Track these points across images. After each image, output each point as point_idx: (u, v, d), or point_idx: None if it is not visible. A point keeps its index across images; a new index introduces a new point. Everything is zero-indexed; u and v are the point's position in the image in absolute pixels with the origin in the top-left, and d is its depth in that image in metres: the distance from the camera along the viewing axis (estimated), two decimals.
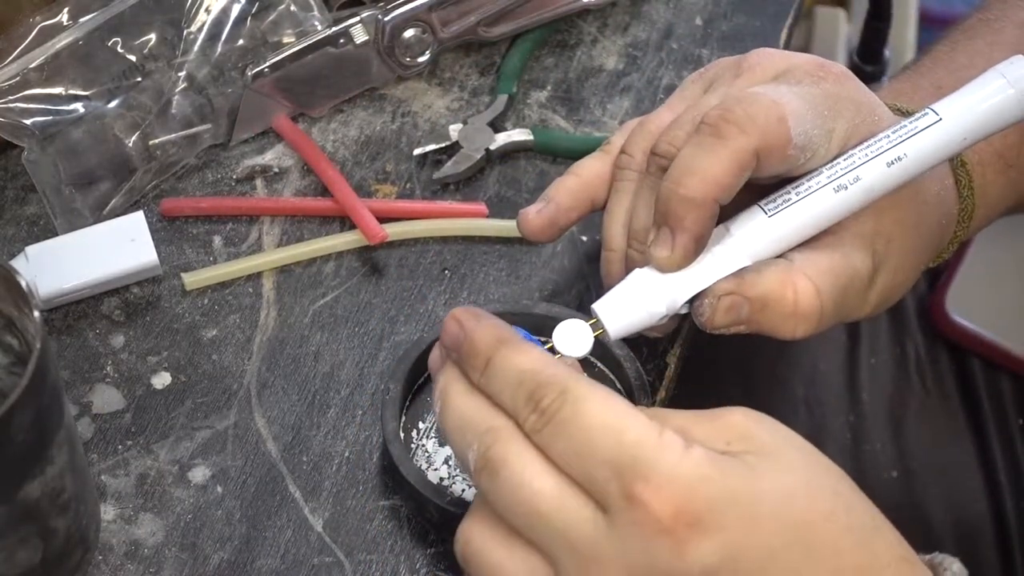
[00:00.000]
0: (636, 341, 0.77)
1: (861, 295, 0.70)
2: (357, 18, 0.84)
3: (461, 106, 0.86)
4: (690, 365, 0.80)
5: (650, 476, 0.57)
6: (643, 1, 0.90)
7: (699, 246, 0.67)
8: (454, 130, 0.83)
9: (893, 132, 0.68)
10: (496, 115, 0.84)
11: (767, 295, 0.68)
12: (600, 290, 0.78)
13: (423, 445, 0.72)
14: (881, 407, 1.00)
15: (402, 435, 0.72)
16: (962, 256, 1.01)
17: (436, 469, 0.72)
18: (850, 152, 0.68)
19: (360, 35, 0.84)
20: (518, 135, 0.83)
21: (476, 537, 0.60)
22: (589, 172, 0.74)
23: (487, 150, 0.83)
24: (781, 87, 0.69)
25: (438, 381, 0.63)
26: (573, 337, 0.67)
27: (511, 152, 0.83)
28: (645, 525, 0.57)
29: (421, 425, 0.73)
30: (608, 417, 0.58)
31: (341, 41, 0.84)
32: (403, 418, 0.73)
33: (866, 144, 0.68)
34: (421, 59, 0.85)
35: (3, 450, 0.61)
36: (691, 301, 0.68)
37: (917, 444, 0.98)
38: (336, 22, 0.84)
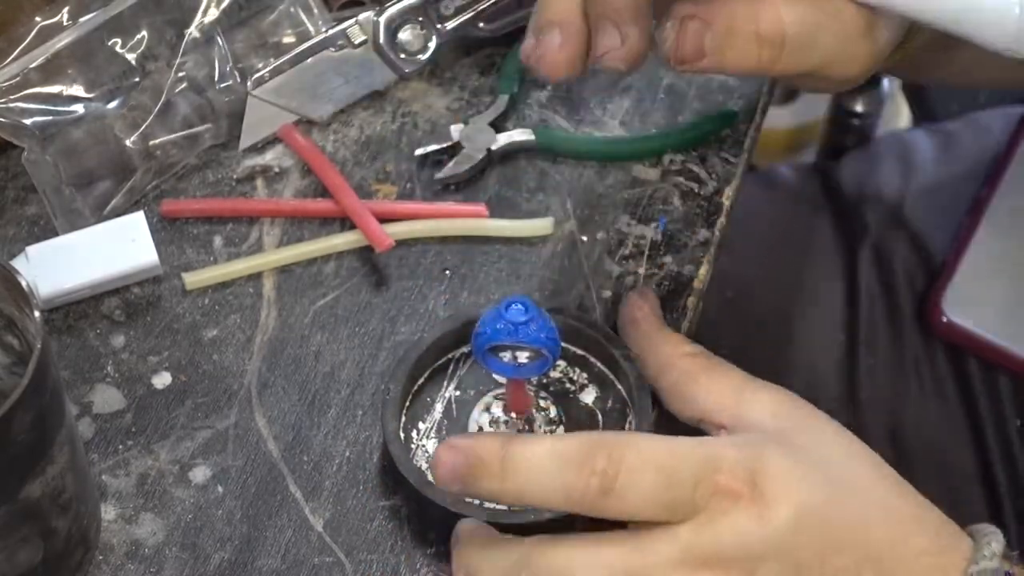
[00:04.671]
0: None
1: (846, 38, 0.68)
2: (353, 19, 0.84)
3: (461, 106, 0.86)
4: None
5: (721, 466, 0.63)
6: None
7: None
8: (455, 130, 0.83)
9: None
10: (498, 115, 0.84)
11: (731, 16, 0.66)
12: (600, 291, 0.79)
13: (423, 445, 0.73)
14: (878, 408, 1.00)
15: (402, 435, 0.72)
16: (960, 256, 1.01)
17: None
18: None
19: (358, 35, 0.84)
20: (519, 135, 0.83)
21: None
22: None
23: (488, 150, 0.83)
24: None
25: (458, 557, 0.67)
26: None
27: (512, 152, 0.83)
28: (734, 505, 0.62)
29: (421, 425, 0.73)
30: (661, 444, 0.64)
31: (340, 43, 0.84)
32: (403, 418, 0.73)
33: None
34: (421, 57, 0.85)
35: (4, 450, 0.61)
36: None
37: (915, 445, 0.98)
38: (337, 23, 0.84)
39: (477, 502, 0.69)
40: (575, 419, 0.73)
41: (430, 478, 0.71)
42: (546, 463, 0.63)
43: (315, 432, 0.74)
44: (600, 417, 0.73)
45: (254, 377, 0.76)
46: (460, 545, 0.67)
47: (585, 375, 0.74)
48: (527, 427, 0.72)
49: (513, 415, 0.72)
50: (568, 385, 0.74)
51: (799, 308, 1.02)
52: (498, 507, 0.69)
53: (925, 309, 1.00)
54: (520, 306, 0.66)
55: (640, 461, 0.62)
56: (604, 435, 0.64)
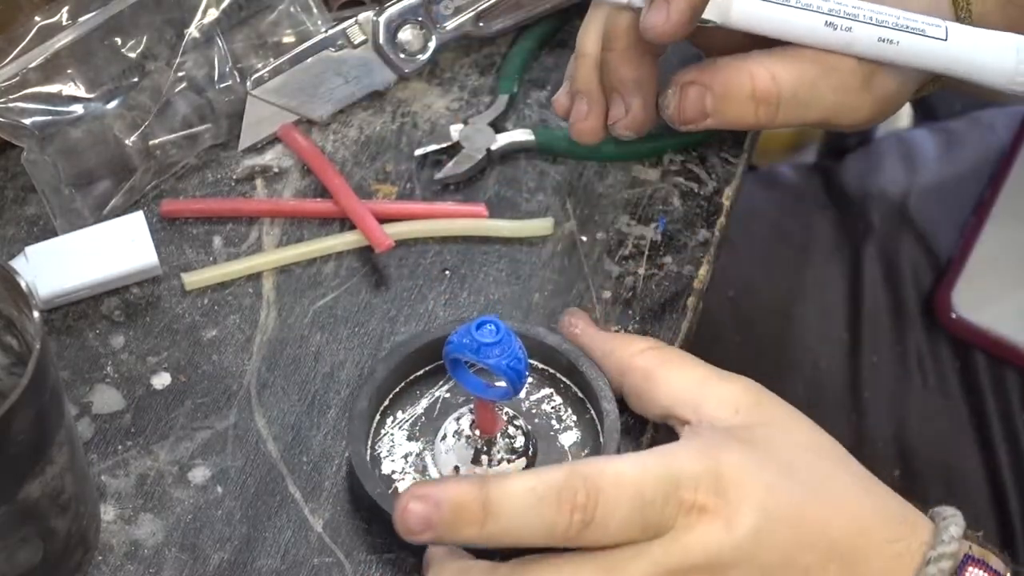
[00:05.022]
0: None
1: (844, 92, 0.72)
2: (353, 19, 0.84)
3: (461, 106, 0.86)
4: None
5: (685, 481, 0.63)
6: None
7: (696, 14, 0.69)
8: (455, 130, 0.83)
9: (905, 17, 0.70)
10: (497, 115, 0.84)
11: (727, 80, 0.71)
12: (600, 291, 0.78)
13: (391, 433, 0.72)
14: (883, 405, 1.00)
15: (378, 418, 0.72)
16: (967, 253, 1.01)
17: (392, 460, 0.72)
18: (860, 3, 0.70)
19: (358, 35, 0.84)
20: (519, 135, 0.83)
21: None
22: (596, 48, 0.75)
23: (488, 150, 0.83)
24: None
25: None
26: None
27: (511, 152, 0.83)
28: (700, 518, 0.63)
29: (400, 415, 0.73)
30: (629, 466, 0.63)
31: (340, 43, 0.84)
32: (386, 402, 0.73)
33: (878, 8, 0.70)
34: (421, 57, 0.85)
35: (3, 450, 0.61)
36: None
37: (919, 442, 0.98)
38: (337, 23, 0.84)
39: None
40: (543, 457, 0.72)
41: (384, 466, 0.71)
42: (527, 503, 0.62)
43: (315, 432, 0.74)
44: (569, 460, 0.72)
45: (253, 377, 0.76)
46: (434, 570, 0.66)
47: (575, 418, 0.73)
48: (485, 448, 0.71)
49: (477, 433, 0.71)
50: (554, 422, 0.73)
51: (800, 307, 1.02)
52: None
53: (933, 305, 1.00)
54: (492, 327, 0.65)
55: (615, 489, 0.62)
56: (576, 466, 0.63)
